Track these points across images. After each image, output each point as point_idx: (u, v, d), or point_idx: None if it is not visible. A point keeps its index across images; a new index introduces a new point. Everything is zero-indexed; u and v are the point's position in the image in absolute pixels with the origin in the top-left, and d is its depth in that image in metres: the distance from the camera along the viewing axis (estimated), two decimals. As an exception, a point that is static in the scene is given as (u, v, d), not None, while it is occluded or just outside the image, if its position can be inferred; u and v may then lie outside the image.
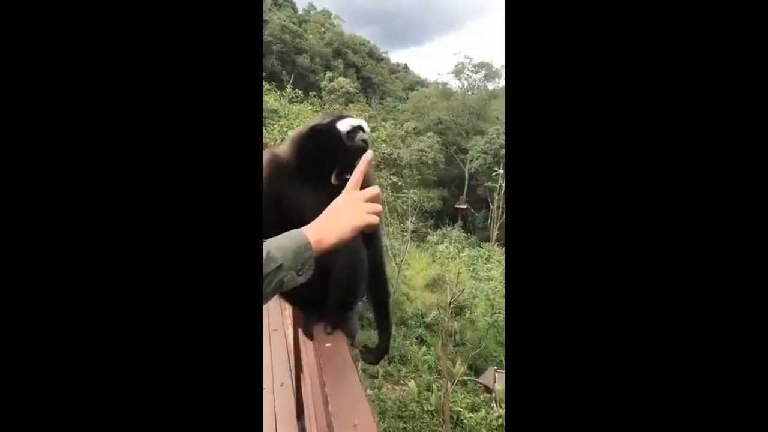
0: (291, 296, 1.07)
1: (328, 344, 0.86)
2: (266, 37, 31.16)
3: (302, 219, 0.95)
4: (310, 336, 1.01)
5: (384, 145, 14.50)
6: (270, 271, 0.67)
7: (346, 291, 1.00)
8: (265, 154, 1.05)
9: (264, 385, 2.16)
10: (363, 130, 1.05)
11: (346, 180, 0.84)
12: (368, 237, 1.02)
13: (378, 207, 0.80)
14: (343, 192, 0.81)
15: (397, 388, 10.09)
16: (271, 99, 15.58)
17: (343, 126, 1.05)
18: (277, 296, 0.88)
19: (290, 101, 16.69)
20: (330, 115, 1.09)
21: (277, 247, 0.71)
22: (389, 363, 10.16)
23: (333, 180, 1.00)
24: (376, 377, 9.43)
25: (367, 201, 0.79)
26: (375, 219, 0.79)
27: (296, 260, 0.72)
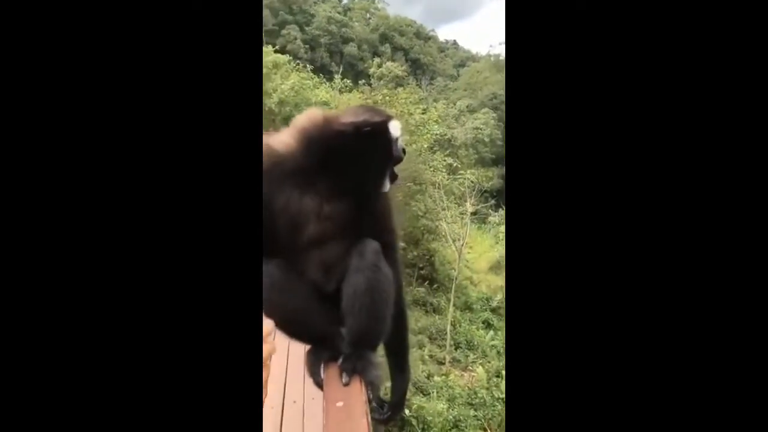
0: (287, 325, 0.84)
1: (339, 403, 0.68)
2: (313, 31, 31.59)
3: (297, 227, 0.78)
4: (318, 383, 0.82)
5: (436, 126, 14.09)
6: None
7: (368, 322, 0.78)
8: None
9: (274, 403, 2.08)
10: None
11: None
12: (387, 259, 0.83)
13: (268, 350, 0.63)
14: None
15: (465, 374, 9.91)
16: (322, 92, 15.77)
17: (395, 130, 0.88)
18: None
19: (340, 91, 16.80)
20: (374, 110, 0.91)
21: None
22: (456, 348, 9.99)
23: (386, 187, 0.84)
24: (443, 363, 9.30)
25: None
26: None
27: None
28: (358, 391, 0.74)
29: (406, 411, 5.27)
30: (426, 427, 5.12)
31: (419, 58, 36.98)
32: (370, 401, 0.75)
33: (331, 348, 0.84)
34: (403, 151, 0.88)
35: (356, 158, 0.84)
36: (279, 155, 0.85)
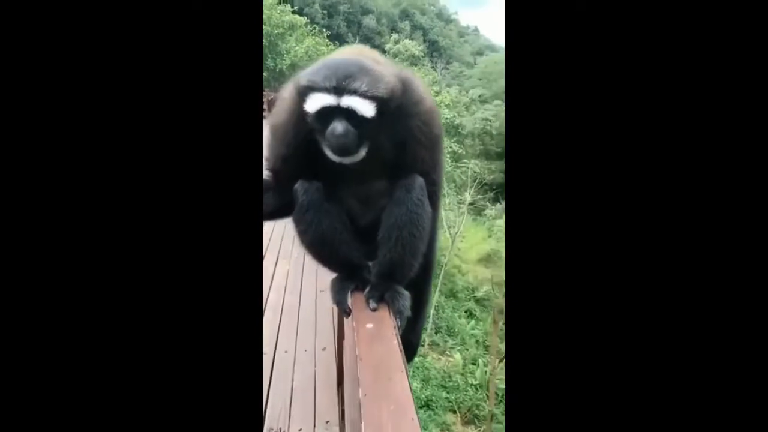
0: (317, 246, 0.83)
1: (369, 325, 0.68)
2: (334, -3, 30.77)
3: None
4: (345, 311, 0.81)
5: (447, 110, 13.93)
6: None
7: (402, 254, 0.76)
8: None
9: (306, 348, 2.17)
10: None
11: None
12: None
13: None
14: None
15: (442, 358, 10.10)
16: (335, 61, 15.46)
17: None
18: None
19: (354, 63, 16.50)
20: None
21: None
22: (436, 333, 10.15)
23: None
24: (422, 345, 9.46)
25: None
26: None
27: None
28: (386, 317, 0.73)
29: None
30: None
31: (438, 40, 36.29)
32: (398, 328, 0.75)
33: (357, 278, 0.84)
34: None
35: None
36: None
